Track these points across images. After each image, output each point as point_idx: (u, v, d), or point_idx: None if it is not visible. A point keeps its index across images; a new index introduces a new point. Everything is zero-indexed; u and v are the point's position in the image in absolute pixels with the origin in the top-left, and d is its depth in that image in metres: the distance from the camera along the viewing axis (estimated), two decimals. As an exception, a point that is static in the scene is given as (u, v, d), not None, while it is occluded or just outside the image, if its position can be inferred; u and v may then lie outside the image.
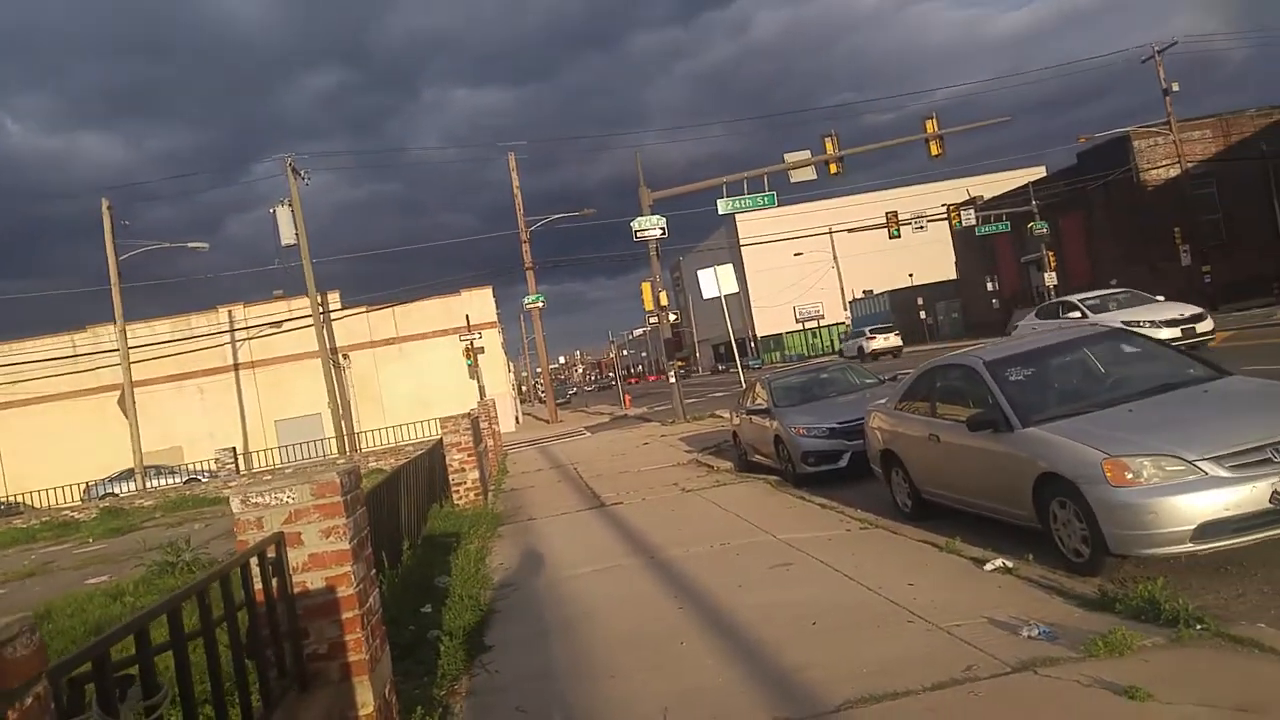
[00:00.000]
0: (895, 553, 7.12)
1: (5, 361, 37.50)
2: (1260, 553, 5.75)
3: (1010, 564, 6.12)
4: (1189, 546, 5.46)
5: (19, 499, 31.70)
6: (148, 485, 30.48)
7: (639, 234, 26.57)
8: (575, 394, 66.04)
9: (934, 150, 27.92)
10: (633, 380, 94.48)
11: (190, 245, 32.78)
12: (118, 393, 34.06)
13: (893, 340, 45.08)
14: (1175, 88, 38.81)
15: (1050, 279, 41.59)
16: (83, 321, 39.32)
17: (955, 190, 61.68)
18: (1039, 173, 59.72)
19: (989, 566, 6.18)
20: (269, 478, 3.39)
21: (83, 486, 31.20)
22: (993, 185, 60.16)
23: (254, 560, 2.91)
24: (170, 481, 31.00)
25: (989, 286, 51.08)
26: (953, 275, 62.09)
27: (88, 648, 1.74)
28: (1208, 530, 5.38)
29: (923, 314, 63.19)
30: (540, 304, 40.54)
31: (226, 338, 39.55)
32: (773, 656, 5.05)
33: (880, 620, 5.43)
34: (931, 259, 69.51)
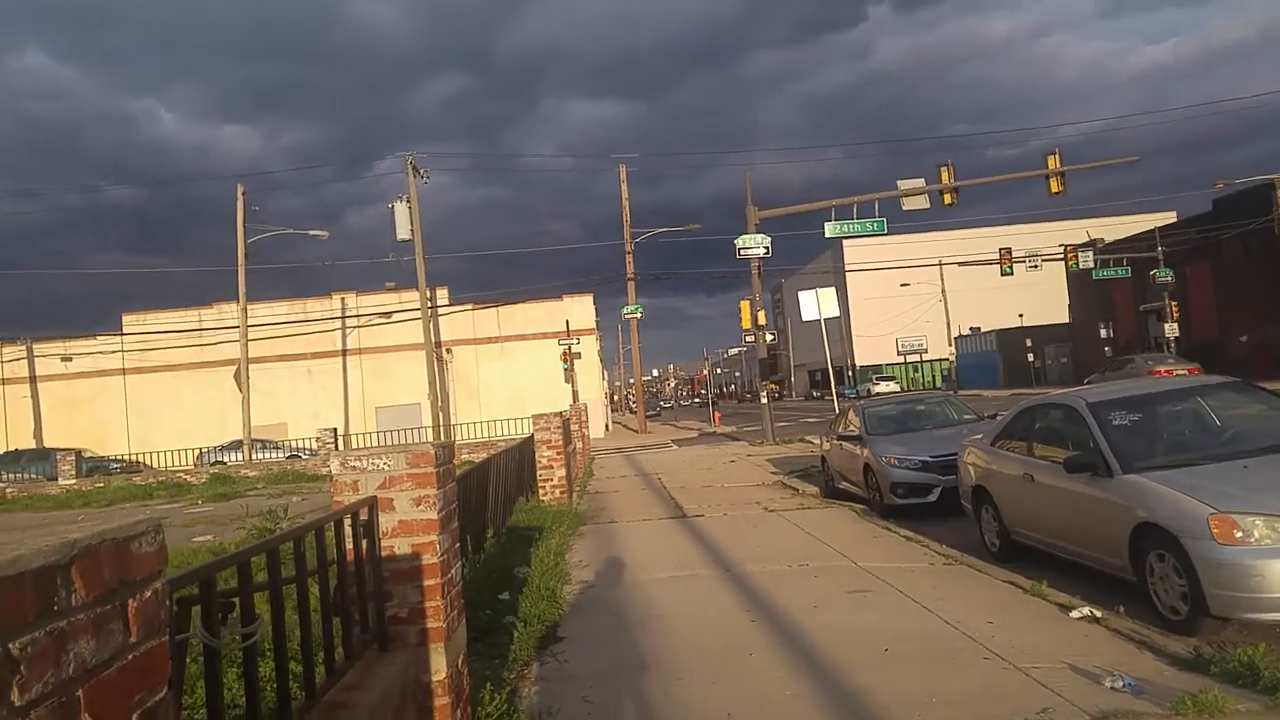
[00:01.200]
0: (978, 590, 6.95)
1: (141, 329, 40.03)
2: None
3: (1098, 614, 5.91)
4: (1298, 614, 5.17)
5: (140, 458, 33.69)
6: (253, 457, 32.01)
7: (742, 251, 26.54)
8: (671, 407, 66.37)
9: (1055, 187, 27.03)
10: (747, 398, 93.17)
11: (311, 232, 34.36)
12: (234, 367, 35.86)
13: (893, 387, 57.58)
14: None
15: (1171, 330, 39.68)
16: (210, 299, 41.63)
17: (1073, 231, 59.43)
18: (1168, 218, 57.12)
19: (1075, 614, 5.98)
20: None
21: (196, 452, 32.97)
22: (1115, 229, 57.78)
23: (347, 520, 3.08)
24: (274, 455, 32.46)
25: (1103, 333, 49.06)
26: (1065, 319, 59.81)
27: (196, 568, 1.91)
28: (1320, 599, 5.09)
29: (1030, 356, 61.03)
30: (639, 315, 40.87)
31: (338, 323, 41.21)
32: (841, 677, 5.01)
33: (955, 654, 5.32)
34: (1043, 300, 67.12)
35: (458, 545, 3.77)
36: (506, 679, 5.12)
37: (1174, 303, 40.71)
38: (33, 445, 37.63)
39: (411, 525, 3.28)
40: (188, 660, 2.05)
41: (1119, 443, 6.70)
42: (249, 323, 34.48)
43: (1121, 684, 4.59)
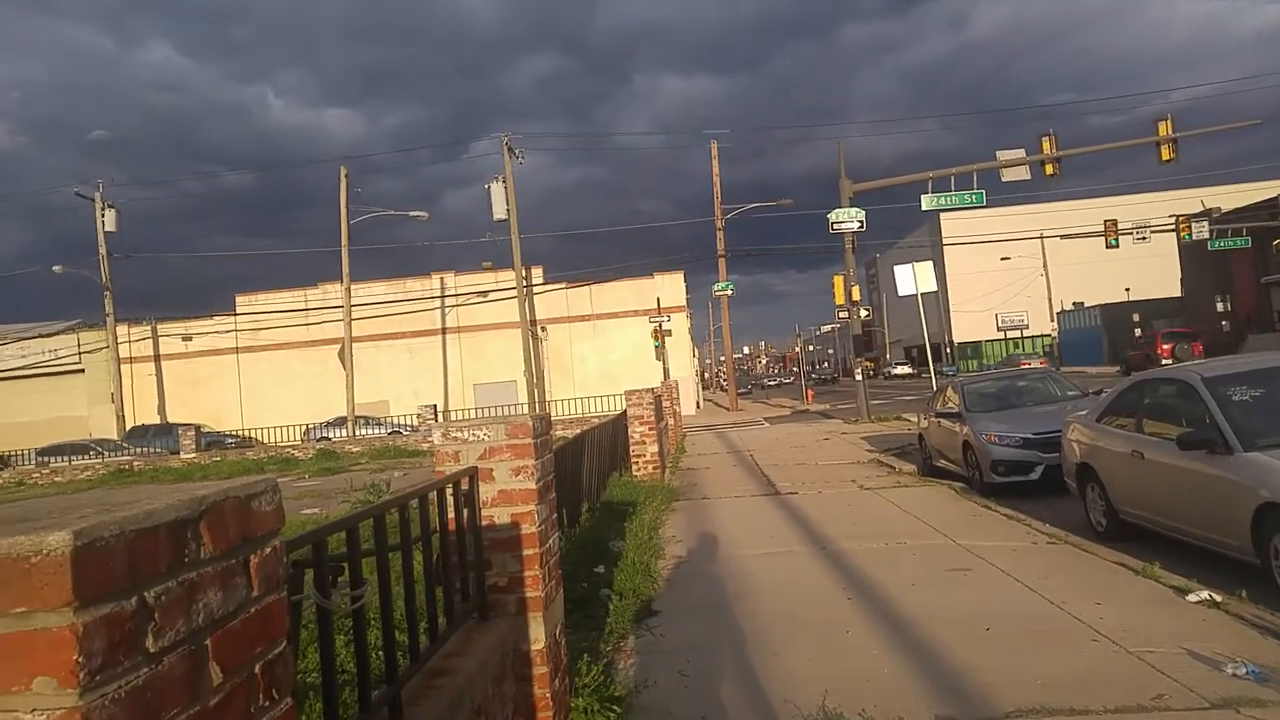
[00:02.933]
0: (1084, 570, 6.72)
1: (252, 310, 41.92)
2: None
3: (1218, 597, 5.64)
4: None
5: (252, 434, 35.37)
6: (357, 433, 33.20)
7: (836, 226, 26.05)
8: (775, 384, 63.93)
9: (1165, 155, 25.62)
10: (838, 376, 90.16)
11: (411, 214, 35.20)
12: (338, 346, 37.21)
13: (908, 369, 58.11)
14: None
15: (1299, 302, 37.29)
16: (315, 279, 43.22)
17: (1183, 200, 56.24)
18: (1295, 184, 53.46)
19: (1192, 598, 5.72)
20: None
21: (303, 428, 34.38)
22: (1232, 197, 54.41)
23: (448, 490, 3.17)
24: (376, 432, 33.61)
25: (1219, 307, 46.40)
26: (1176, 292, 56.76)
27: (309, 532, 1.99)
28: None
29: (1138, 332, 58.18)
30: (729, 292, 40.61)
31: (437, 303, 42.25)
32: (940, 655, 4.92)
33: (1060, 635, 5.16)
34: (1151, 273, 63.80)
35: (555, 516, 3.84)
36: (603, 651, 5.21)
37: (1301, 273, 38.21)
38: (157, 420, 39.90)
39: (511, 495, 3.36)
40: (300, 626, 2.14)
41: (1238, 419, 6.36)
42: (352, 302, 35.67)
43: (1244, 671, 4.38)
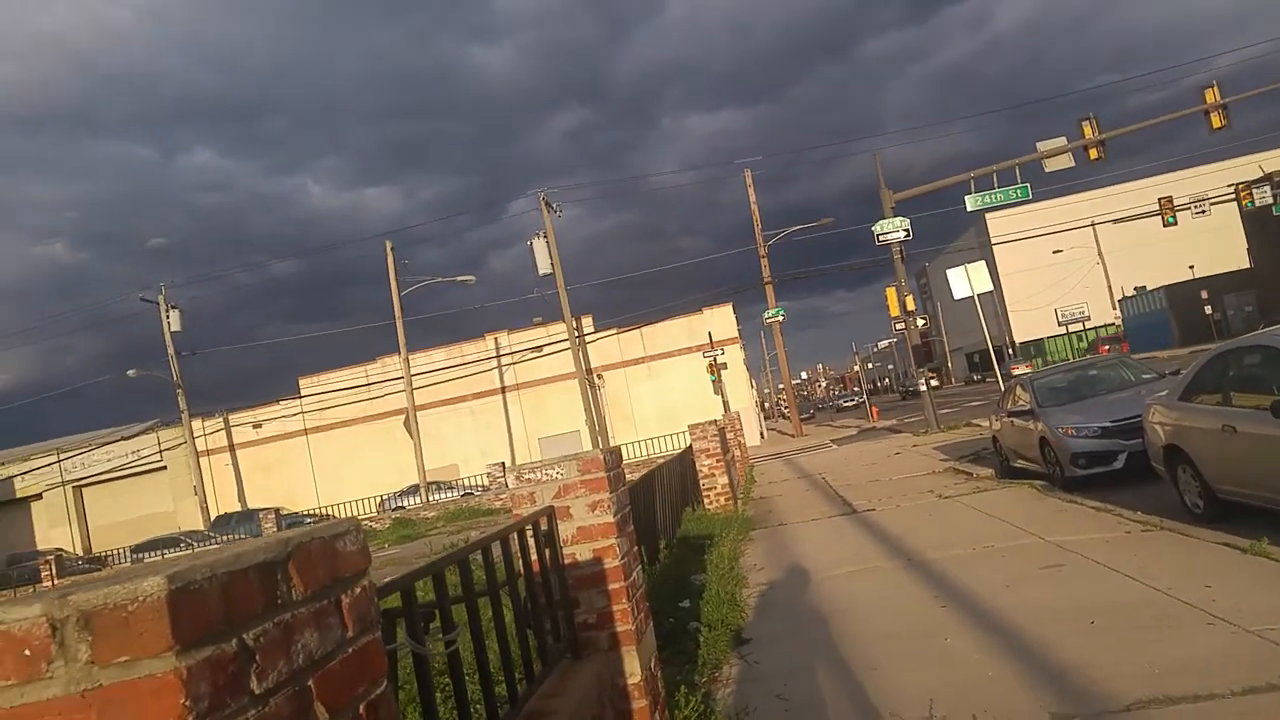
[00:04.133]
0: (1186, 554, 6.44)
1: (316, 391, 42.94)
2: None
3: (1335, 566, 5.36)
4: None
5: (328, 511, 36.00)
6: (430, 499, 33.58)
7: (881, 238, 25.84)
8: (853, 404, 60.30)
9: (1216, 122, 24.98)
10: (907, 388, 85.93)
11: (460, 279, 35.87)
12: (403, 416, 37.84)
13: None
14: None
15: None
16: (373, 354, 44.16)
17: (1241, 168, 54.49)
18: (1359, 137, 51.61)
19: (1307, 569, 5.44)
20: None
21: (377, 500, 34.93)
22: (1293, 158, 52.71)
23: (529, 531, 3.17)
24: (448, 495, 33.98)
25: (1294, 272, 44.69)
26: (1244, 264, 54.87)
27: (396, 580, 2.00)
28: None
29: (1208, 309, 56.27)
30: (780, 318, 40.41)
31: (493, 363, 42.80)
32: (1046, 654, 4.74)
33: (1172, 621, 4.94)
34: (1214, 248, 61.83)
35: (636, 549, 3.81)
36: (698, 682, 5.12)
37: (1375, 227, 36.69)
38: (237, 508, 40.90)
39: (590, 530, 3.34)
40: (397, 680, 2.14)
41: (1332, 377, 6.08)
42: (412, 372, 36.31)
43: (1374, 639, 4.13)
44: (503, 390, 42.89)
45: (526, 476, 3.37)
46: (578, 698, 2.94)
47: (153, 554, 31.40)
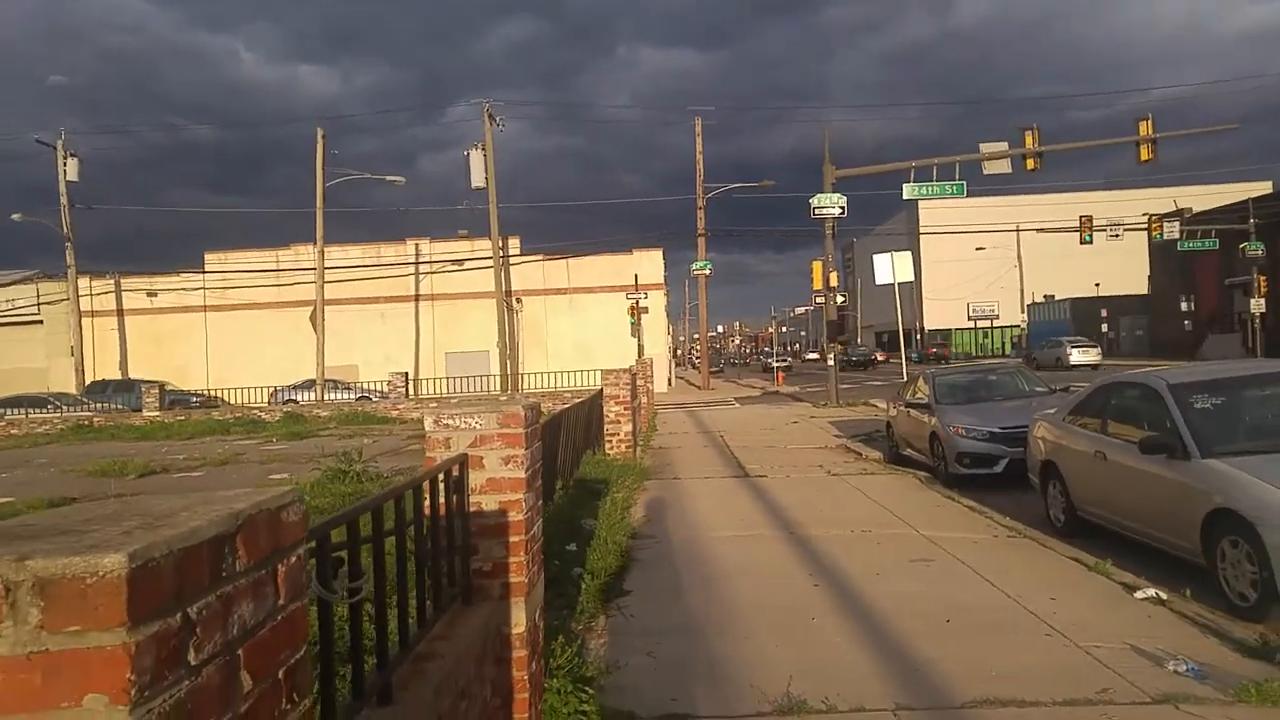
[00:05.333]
0: (1041, 565, 6.94)
1: (221, 268, 41.36)
2: None
3: (1164, 595, 5.88)
4: (1373, 609, 5.09)
5: (218, 394, 35.01)
6: (326, 397, 33.00)
7: (817, 211, 26.16)
8: (786, 364, 59.24)
9: (1145, 155, 25.96)
10: (811, 358, 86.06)
11: (389, 178, 34.83)
12: (310, 308, 36.83)
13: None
14: None
15: (1257, 306, 38.05)
16: (287, 240, 42.67)
17: (1157, 200, 56.93)
18: (1263, 188, 54.28)
19: (1140, 595, 5.95)
20: (455, 402, 3.74)
21: (270, 390, 34.07)
22: (1204, 198, 55.22)
23: (440, 477, 3.24)
24: (345, 396, 33.40)
25: (1183, 306, 47.28)
26: (1144, 290, 57.72)
27: (314, 528, 2.06)
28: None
29: (1104, 327, 59.13)
30: (707, 271, 40.70)
31: (411, 269, 41.94)
32: (902, 645, 5.09)
33: (1016, 628, 5.36)
34: (1122, 270, 64.73)
35: (540, 503, 3.93)
36: (575, 631, 5.32)
37: (1262, 277, 38.93)
38: (118, 376, 39.35)
39: (500, 483, 3.43)
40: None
41: (1199, 426, 6.57)
42: (325, 265, 35.31)
43: (1185, 668, 4.58)
44: (416, 298, 42.14)
45: (445, 422, 3.42)
46: (465, 643, 3.06)
47: (16, 411, 29.82)
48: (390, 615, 2.75)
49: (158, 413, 29.04)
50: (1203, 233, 41.84)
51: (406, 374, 33.54)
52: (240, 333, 41.29)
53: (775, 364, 55.84)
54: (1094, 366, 40.30)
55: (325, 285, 35.19)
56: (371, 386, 34.90)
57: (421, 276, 42.09)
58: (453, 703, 2.81)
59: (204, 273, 41.99)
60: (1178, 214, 42.53)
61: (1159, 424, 6.89)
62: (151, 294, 41.81)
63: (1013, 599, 5.93)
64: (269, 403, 32.40)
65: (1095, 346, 45.51)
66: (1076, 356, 42.27)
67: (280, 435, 24.07)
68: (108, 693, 0.99)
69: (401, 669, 2.63)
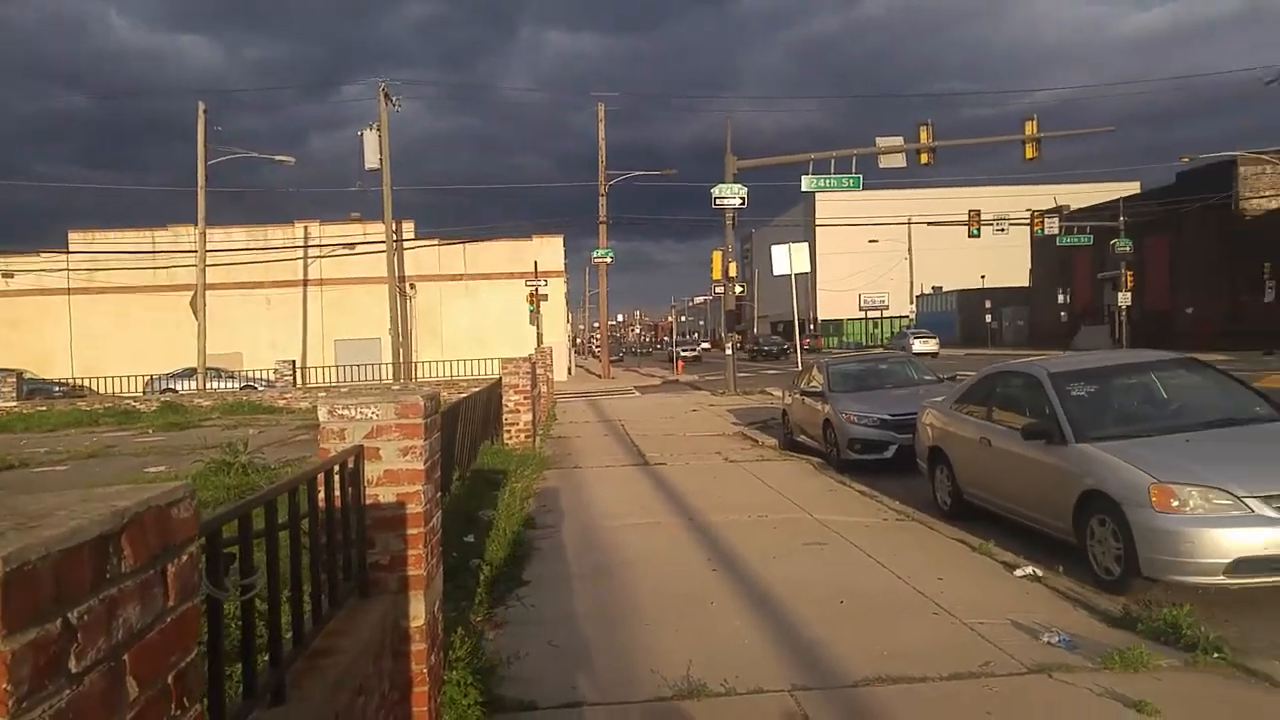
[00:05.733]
0: (929, 546, 7.22)
1: (88, 249, 38.98)
2: (1293, 596, 5.74)
3: (1040, 573, 6.20)
4: (1220, 579, 5.49)
5: (85, 383, 33.07)
6: (208, 386, 31.58)
7: (718, 201, 26.45)
8: (694, 354, 58.94)
9: (1030, 153, 27.16)
10: (705, 349, 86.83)
11: (277, 158, 33.52)
12: (190, 293, 35.16)
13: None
14: (1291, 115, 37.13)
15: (1124, 299, 40.47)
16: (164, 220, 40.57)
17: (1041, 196, 59.85)
18: (1132, 188, 57.72)
19: (1019, 572, 6.26)
20: (346, 391, 3.61)
21: (145, 379, 32.35)
22: (1082, 196, 58.35)
23: (335, 469, 3.14)
24: (228, 385, 32.03)
25: (1060, 299, 49.92)
26: (1025, 282, 60.72)
27: (207, 520, 1.96)
28: (1243, 566, 5.41)
29: (988, 318, 61.99)
30: (609, 259, 40.71)
31: (299, 252, 40.47)
32: (798, 628, 5.22)
33: (906, 608, 5.56)
34: (1006, 263, 67.85)
35: (439, 495, 3.85)
36: (475, 623, 5.26)
37: (1130, 272, 41.40)
38: (-31, 363, 36.68)
39: (398, 475, 3.35)
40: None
41: (1075, 413, 6.94)
42: (207, 247, 33.74)
43: (1057, 639, 4.85)
44: (305, 284, 40.71)
45: (340, 413, 3.31)
46: (364, 637, 2.99)
47: None
48: (284, 611, 2.66)
49: (15, 403, 27.21)
50: (1079, 229, 44.26)
51: (294, 362, 32.45)
52: (111, 318, 39.02)
53: (684, 352, 56.43)
54: (933, 355, 44.52)
55: (207, 269, 33.64)
56: (257, 375, 33.59)
57: (311, 261, 40.70)
58: (350, 698, 2.73)
59: (68, 253, 39.45)
60: (1057, 211, 44.80)
61: (1040, 411, 7.25)
62: (7, 275, 39.05)
63: (902, 580, 6.15)
64: (144, 392, 30.77)
65: (934, 338, 50.91)
66: (918, 346, 46.68)
67: (157, 426, 22.94)
68: (-19, 705, 0.92)
69: (296, 666, 2.54)
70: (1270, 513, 5.46)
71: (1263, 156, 39.43)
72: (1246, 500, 5.53)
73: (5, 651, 0.92)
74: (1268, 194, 38.99)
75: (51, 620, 1.01)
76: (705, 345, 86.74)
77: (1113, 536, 6.03)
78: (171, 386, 31.83)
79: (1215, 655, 4.50)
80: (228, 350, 37.81)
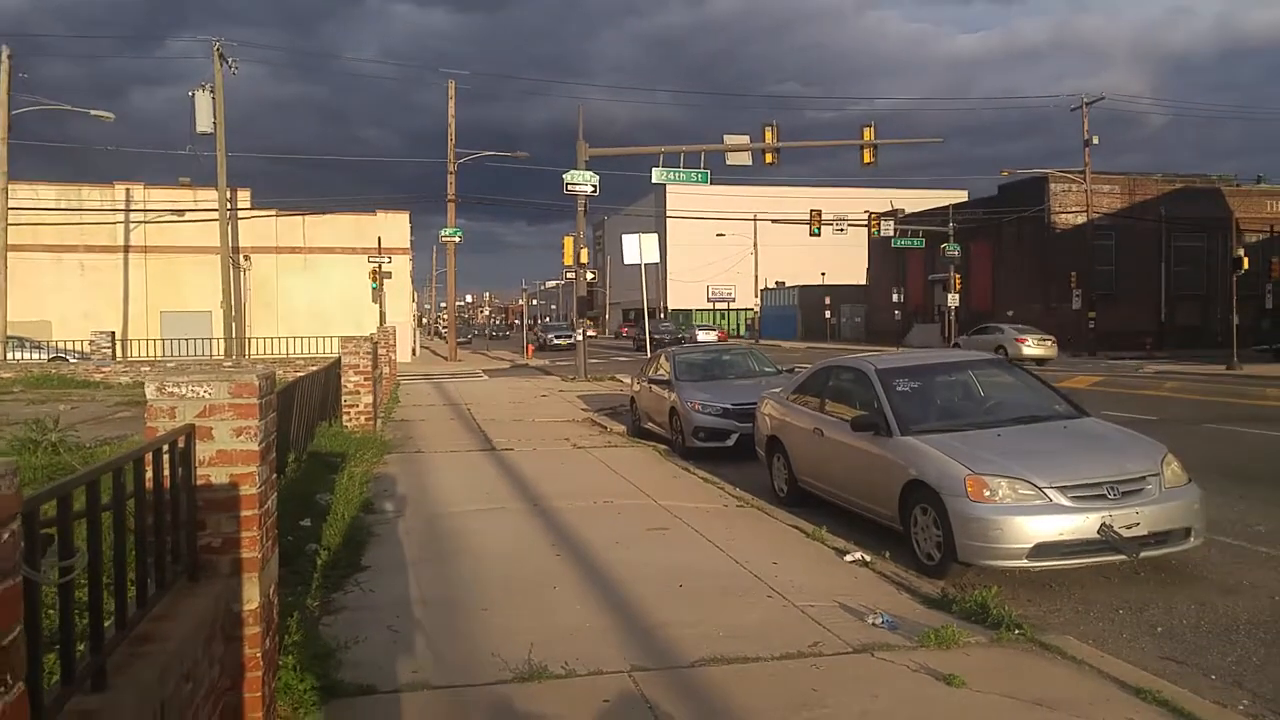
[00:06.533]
0: (765, 532, 7.54)
1: None
2: (1082, 576, 6.36)
3: (868, 558, 6.59)
4: (1024, 562, 6.02)
5: None
6: (10, 357, 28.90)
7: (570, 187, 26.46)
8: (567, 342, 59.39)
9: (867, 158, 28.61)
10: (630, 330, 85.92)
11: (94, 112, 30.89)
12: (-9, 254, 32.01)
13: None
14: (1095, 140, 40.70)
15: (953, 300, 43.31)
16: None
17: (878, 199, 63.28)
18: (961, 196, 61.79)
19: (849, 558, 6.63)
20: (173, 366, 3.43)
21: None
22: (916, 200, 62.05)
23: (164, 448, 2.98)
24: (34, 356, 29.41)
25: (894, 297, 52.87)
26: (863, 281, 63.96)
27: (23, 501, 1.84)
28: (1042, 550, 5.95)
29: (828, 314, 64.95)
30: (457, 238, 39.99)
31: (118, 216, 37.57)
32: (638, 611, 5.35)
33: (742, 591, 5.80)
34: (846, 262, 71.22)
35: (275, 476, 3.72)
36: (312, 608, 5.11)
37: (957, 275, 44.34)
38: None
39: (231, 455, 3.21)
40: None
41: (900, 407, 7.41)
42: (8, 204, 30.79)
43: (881, 621, 5.19)
44: (126, 249, 37.85)
45: (170, 390, 3.15)
46: (191, 622, 2.86)
47: None
48: (107, 597, 2.52)
49: None
50: (913, 232, 46.97)
51: (113, 333, 30.13)
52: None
53: (556, 339, 56.23)
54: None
55: (10, 228, 30.72)
56: (69, 346, 31.00)
57: (134, 227, 37.88)
58: (177, 684, 2.62)
59: None
60: (893, 214, 47.39)
61: (869, 404, 7.69)
62: None
63: (739, 564, 6.40)
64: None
65: (717, 329, 61.20)
66: (701, 336, 53.98)
67: (-52, 399, 20.82)
68: None
69: (119, 651, 2.42)
70: (1066, 502, 6.03)
71: (1069, 175, 43.12)
72: (1046, 490, 6.08)
73: None
74: (1074, 210, 42.65)
75: None
76: (585, 333, 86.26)
77: (934, 524, 6.48)
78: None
79: (1017, 632, 4.93)
80: (35, 318, 34.69)
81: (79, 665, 2.12)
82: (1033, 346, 32.54)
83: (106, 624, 2.41)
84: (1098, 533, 5.92)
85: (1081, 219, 41.98)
